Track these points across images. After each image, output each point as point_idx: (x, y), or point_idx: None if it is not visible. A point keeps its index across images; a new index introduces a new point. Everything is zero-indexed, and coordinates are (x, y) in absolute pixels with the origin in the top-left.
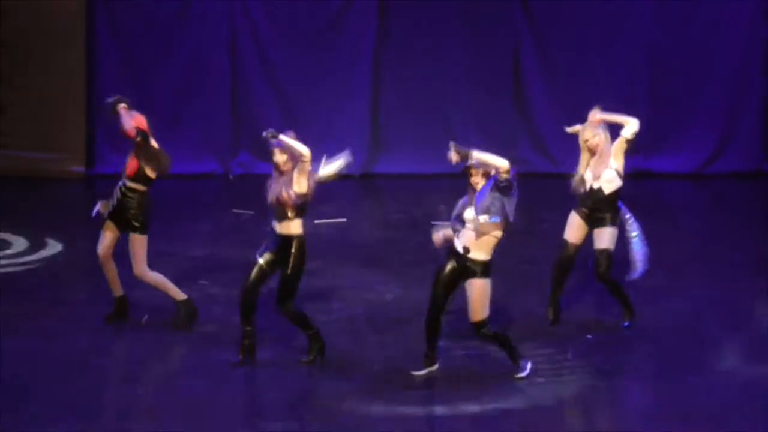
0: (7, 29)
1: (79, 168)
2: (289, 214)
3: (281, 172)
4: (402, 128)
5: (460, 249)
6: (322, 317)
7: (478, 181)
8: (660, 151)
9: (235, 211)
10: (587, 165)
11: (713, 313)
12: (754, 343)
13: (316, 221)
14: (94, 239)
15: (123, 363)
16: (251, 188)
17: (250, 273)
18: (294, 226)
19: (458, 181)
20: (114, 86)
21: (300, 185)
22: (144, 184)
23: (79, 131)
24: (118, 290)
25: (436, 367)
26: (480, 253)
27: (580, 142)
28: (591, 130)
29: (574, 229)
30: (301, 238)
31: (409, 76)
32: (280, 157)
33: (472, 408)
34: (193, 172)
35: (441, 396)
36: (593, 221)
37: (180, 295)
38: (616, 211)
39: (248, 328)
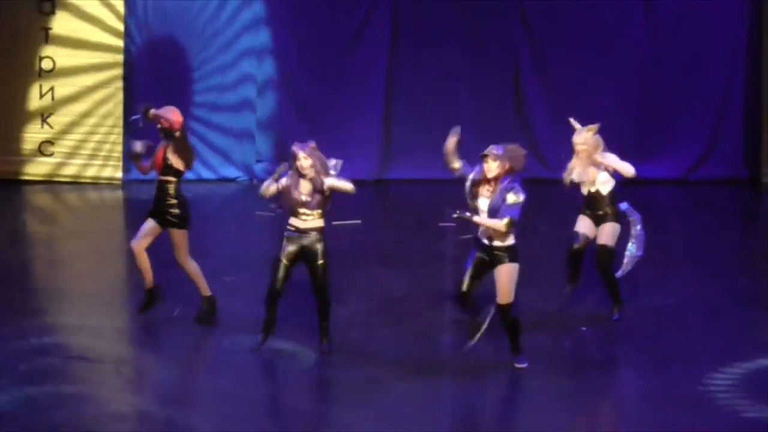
0: (52, 46)
1: (116, 174)
2: (313, 212)
3: (301, 175)
4: (411, 137)
5: (485, 241)
6: (339, 310)
7: (491, 169)
8: (648, 159)
9: (257, 213)
10: (574, 166)
11: (698, 309)
12: (736, 337)
13: (334, 223)
14: (129, 239)
15: (153, 353)
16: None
17: (276, 271)
18: (318, 221)
19: (461, 186)
20: (149, 97)
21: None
22: (174, 175)
23: (117, 140)
24: (149, 282)
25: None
26: (502, 240)
27: (573, 142)
28: (582, 136)
29: (585, 224)
30: (324, 230)
31: (418, 89)
32: (305, 162)
33: (475, 395)
34: (221, 177)
35: (447, 383)
36: (598, 220)
37: (207, 291)
38: (616, 207)
39: (270, 317)
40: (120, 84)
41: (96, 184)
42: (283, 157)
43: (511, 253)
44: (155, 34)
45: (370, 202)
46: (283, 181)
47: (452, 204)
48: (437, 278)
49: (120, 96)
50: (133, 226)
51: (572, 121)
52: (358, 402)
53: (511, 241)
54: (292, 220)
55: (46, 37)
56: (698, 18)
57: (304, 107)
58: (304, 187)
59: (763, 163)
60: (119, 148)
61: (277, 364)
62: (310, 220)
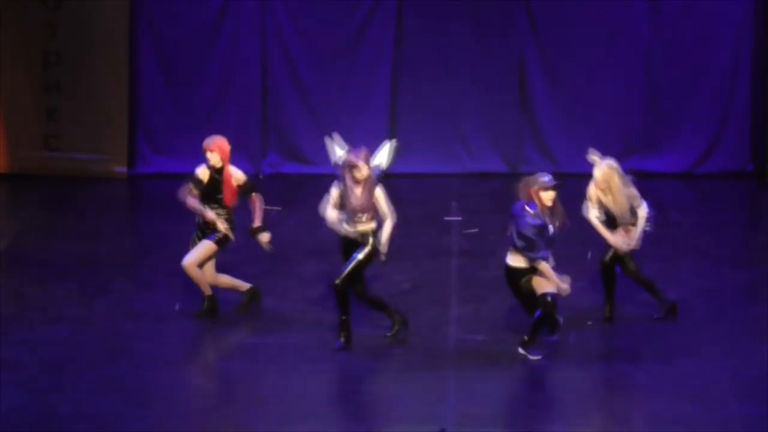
0: (58, 41)
1: (121, 169)
2: (366, 215)
3: (357, 182)
4: (417, 132)
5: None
6: None
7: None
8: (654, 153)
9: (266, 208)
10: (599, 201)
11: (702, 301)
12: (739, 329)
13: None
14: (134, 234)
15: (164, 347)
16: (279, 187)
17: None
18: (371, 224)
19: (467, 181)
20: (154, 92)
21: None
22: None
23: (122, 135)
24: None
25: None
26: None
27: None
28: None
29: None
30: (375, 232)
31: (424, 84)
32: (365, 171)
33: (482, 387)
34: None
35: (454, 376)
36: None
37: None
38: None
39: (345, 317)
40: (126, 78)
41: (101, 179)
42: (291, 152)
43: None
44: (161, 29)
45: None
46: (334, 192)
47: (456, 198)
48: (443, 272)
49: (126, 90)
50: (138, 221)
51: (591, 155)
52: (364, 395)
53: None
54: (348, 225)
55: (51, 32)
56: (704, 11)
57: (310, 101)
58: (360, 193)
59: None
60: (124, 143)
61: (288, 358)
62: (362, 223)
